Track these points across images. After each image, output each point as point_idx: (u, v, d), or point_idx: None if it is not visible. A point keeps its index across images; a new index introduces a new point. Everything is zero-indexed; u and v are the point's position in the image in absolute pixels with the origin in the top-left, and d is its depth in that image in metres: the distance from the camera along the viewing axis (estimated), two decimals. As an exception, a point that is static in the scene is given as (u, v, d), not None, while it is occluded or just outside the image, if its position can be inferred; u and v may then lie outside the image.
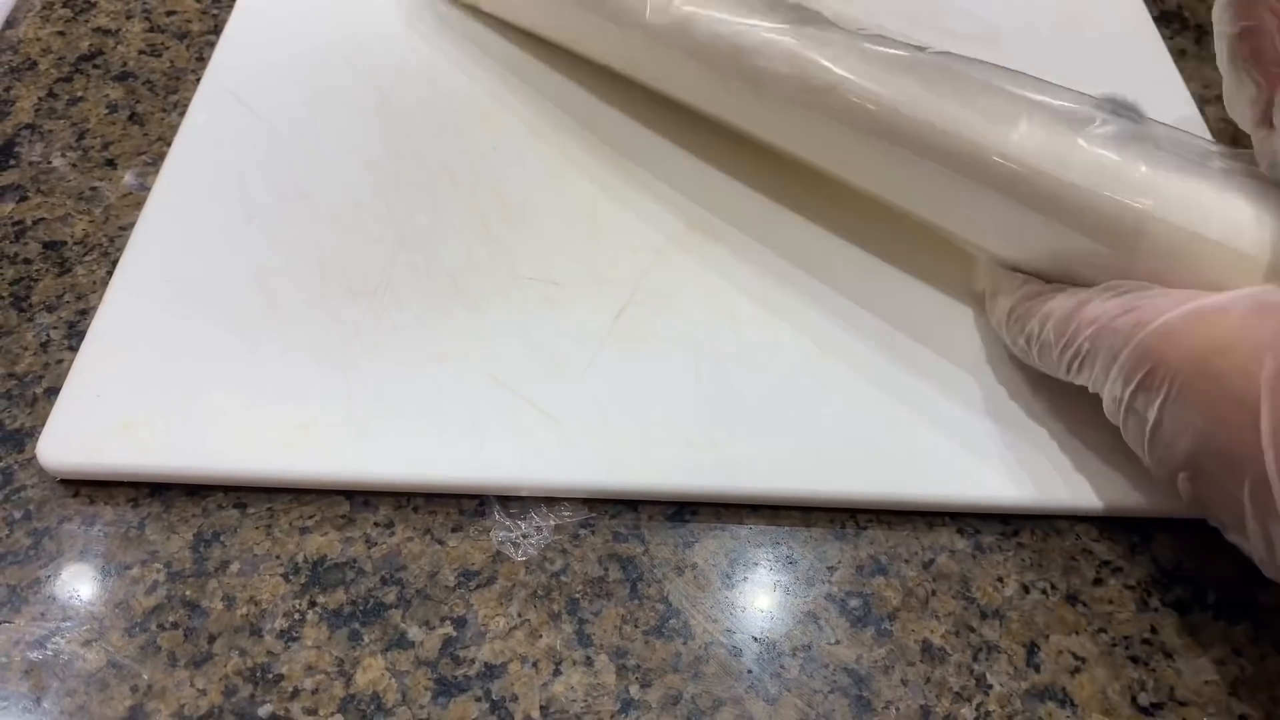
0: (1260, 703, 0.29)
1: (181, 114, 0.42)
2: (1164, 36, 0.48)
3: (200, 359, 0.34)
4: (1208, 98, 0.47)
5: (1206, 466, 0.27)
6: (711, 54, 0.36)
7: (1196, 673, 0.30)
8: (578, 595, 0.31)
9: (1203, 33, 0.50)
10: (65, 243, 0.38)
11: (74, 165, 0.41)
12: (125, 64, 0.45)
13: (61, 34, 0.46)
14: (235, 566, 0.31)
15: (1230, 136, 0.46)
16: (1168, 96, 0.45)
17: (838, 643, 0.30)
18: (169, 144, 0.41)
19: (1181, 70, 0.47)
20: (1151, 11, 0.49)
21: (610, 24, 0.39)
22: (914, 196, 0.34)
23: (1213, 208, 0.28)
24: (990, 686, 0.29)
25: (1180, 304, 0.27)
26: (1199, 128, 0.44)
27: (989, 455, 0.33)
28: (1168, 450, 0.28)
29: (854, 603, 0.31)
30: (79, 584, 0.30)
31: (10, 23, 0.47)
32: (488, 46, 0.45)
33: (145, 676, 0.29)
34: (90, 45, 0.46)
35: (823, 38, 0.34)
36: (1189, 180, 0.29)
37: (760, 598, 0.31)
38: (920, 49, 0.34)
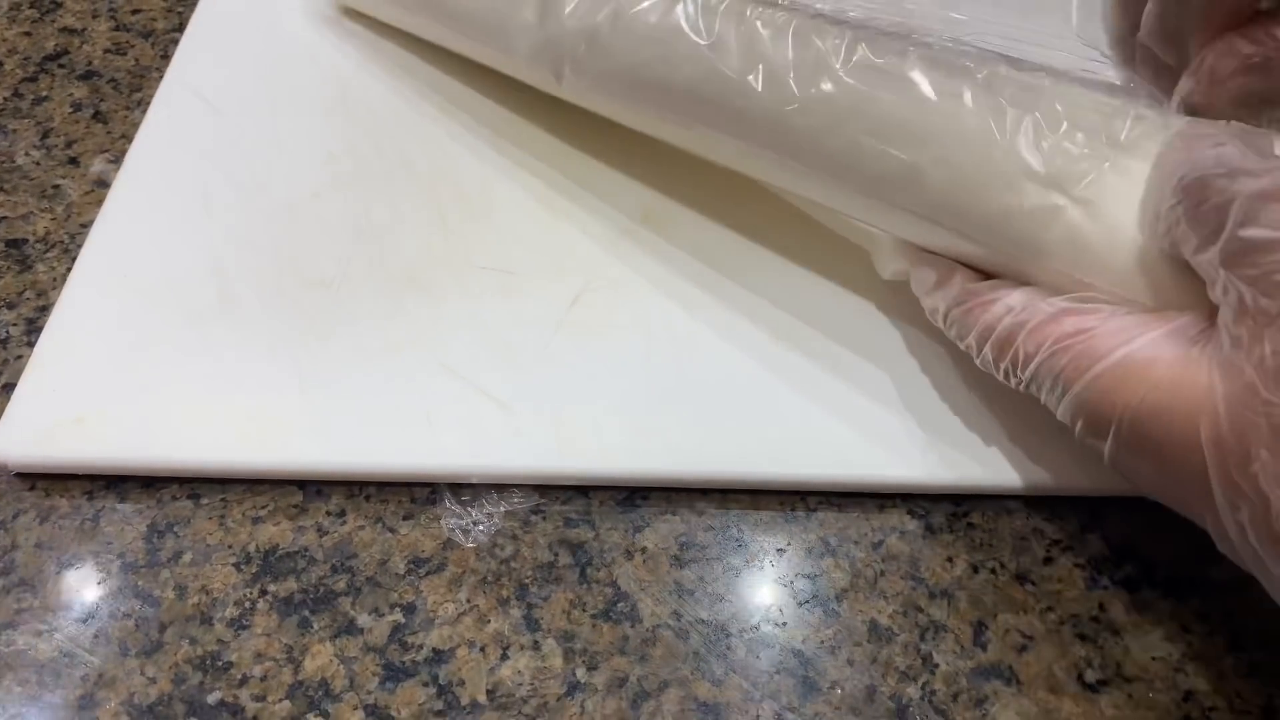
0: (1207, 678, 0.29)
1: (145, 111, 0.42)
2: None
3: (156, 352, 0.34)
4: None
5: (1166, 500, 0.27)
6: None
7: (1144, 649, 0.30)
8: (527, 581, 0.31)
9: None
10: (27, 240, 0.39)
11: (37, 163, 0.41)
12: (90, 63, 0.46)
13: (28, 34, 0.47)
14: (188, 557, 0.31)
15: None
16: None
17: (785, 624, 0.30)
18: (132, 141, 0.41)
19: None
20: None
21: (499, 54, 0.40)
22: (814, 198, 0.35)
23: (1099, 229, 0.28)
24: (936, 665, 0.29)
25: (1110, 350, 0.27)
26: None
27: (939, 436, 0.33)
28: (1127, 475, 0.28)
29: (802, 584, 0.31)
30: (33, 576, 0.31)
31: (-23, 24, 0.47)
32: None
33: (96, 665, 0.29)
34: (56, 45, 0.46)
35: (732, 41, 0.33)
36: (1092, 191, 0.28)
37: (708, 581, 0.31)
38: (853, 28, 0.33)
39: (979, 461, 0.32)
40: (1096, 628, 0.30)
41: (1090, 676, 0.29)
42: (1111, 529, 0.32)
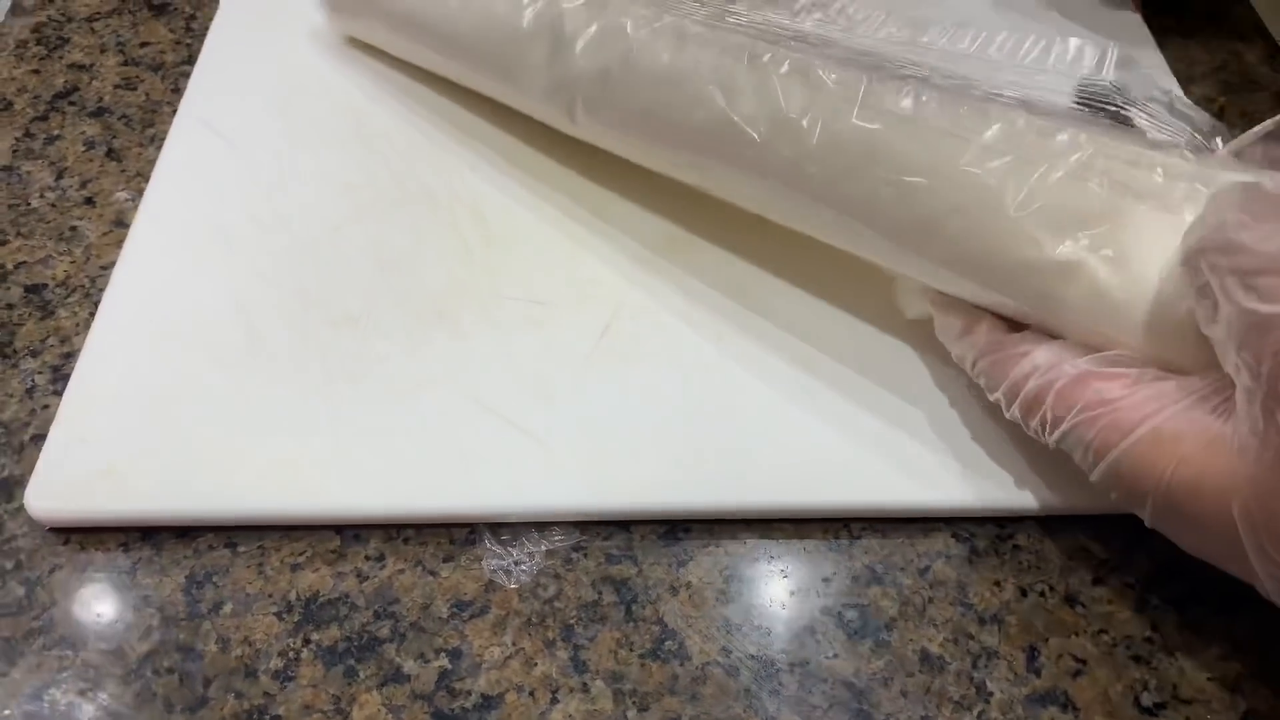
0: (1264, 697, 0.29)
1: (159, 147, 0.42)
2: (1145, 16, 0.48)
3: (184, 398, 0.34)
4: (1193, 76, 0.47)
5: (1212, 562, 0.27)
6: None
7: (1199, 669, 0.30)
8: (572, 621, 0.30)
9: (1184, 10, 0.49)
10: (47, 285, 0.38)
11: (53, 205, 0.41)
12: (101, 99, 0.45)
13: (36, 72, 0.46)
14: (228, 607, 0.31)
15: (1215, 115, 0.45)
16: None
17: (835, 656, 0.30)
18: (147, 179, 0.41)
19: (1165, 49, 0.46)
20: (1133, -9, 0.49)
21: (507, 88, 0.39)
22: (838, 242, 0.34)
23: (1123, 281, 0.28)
24: (991, 694, 0.29)
25: (1136, 423, 0.26)
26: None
27: (981, 458, 0.32)
28: (1170, 538, 0.28)
29: (850, 614, 0.31)
30: (73, 633, 0.30)
31: (-16, 63, 0.47)
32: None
33: (142, 724, 0.29)
34: (65, 82, 0.46)
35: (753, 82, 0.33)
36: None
37: (756, 614, 0.31)
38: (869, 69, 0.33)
39: (1022, 482, 0.32)
40: (1150, 648, 0.30)
41: (1147, 699, 0.29)
42: (1159, 546, 0.31)
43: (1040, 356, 0.29)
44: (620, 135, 0.37)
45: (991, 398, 0.30)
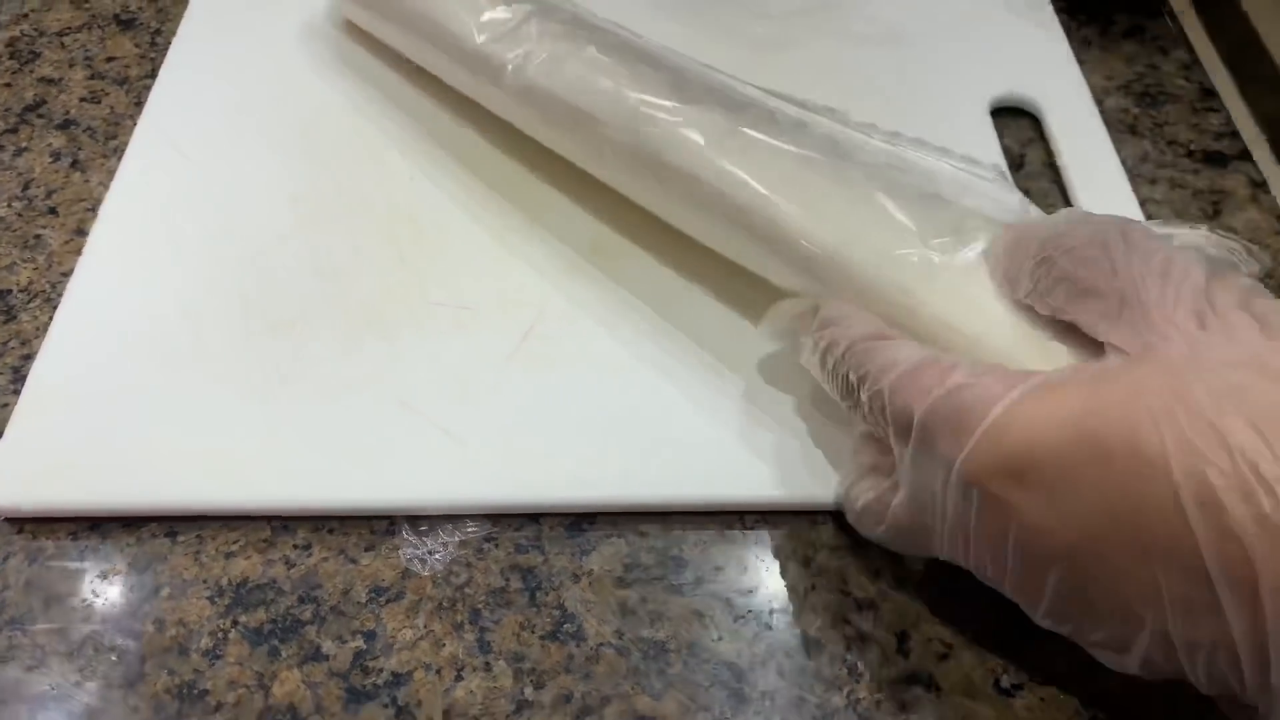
0: (1119, 680, 0.31)
1: (121, 159, 0.44)
2: (1070, 27, 0.50)
3: (133, 398, 0.37)
4: (1109, 89, 0.48)
5: (1101, 553, 0.25)
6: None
7: (1058, 654, 0.32)
8: (480, 606, 0.33)
9: (1109, 23, 0.51)
10: (10, 291, 0.41)
11: (19, 215, 0.44)
12: (67, 112, 0.48)
13: (8, 85, 0.49)
14: (166, 592, 0.33)
15: (1128, 126, 0.47)
16: (1066, 90, 0.47)
17: (720, 639, 0.32)
18: (109, 189, 0.43)
19: (1086, 61, 0.48)
20: (1057, 3, 0.50)
21: (471, 79, 0.42)
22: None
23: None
24: (861, 674, 0.32)
25: (1011, 385, 0.26)
26: (1096, 121, 0.45)
27: (866, 456, 0.35)
28: (1033, 548, 0.26)
29: (738, 601, 0.33)
30: (23, 615, 0.33)
31: (-40, 77, 0.49)
32: (406, 80, 0.47)
33: (83, 698, 0.31)
34: (34, 95, 0.48)
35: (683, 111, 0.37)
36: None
37: (650, 600, 0.33)
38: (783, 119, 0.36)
39: (905, 478, 0.34)
40: (1015, 635, 0.32)
41: (1005, 682, 0.31)
42: (1031, 539, 0.34)
43: (916, 350, 0.29)
44: (542, 105, 0.39)
45: (851, 378, 0.30)
